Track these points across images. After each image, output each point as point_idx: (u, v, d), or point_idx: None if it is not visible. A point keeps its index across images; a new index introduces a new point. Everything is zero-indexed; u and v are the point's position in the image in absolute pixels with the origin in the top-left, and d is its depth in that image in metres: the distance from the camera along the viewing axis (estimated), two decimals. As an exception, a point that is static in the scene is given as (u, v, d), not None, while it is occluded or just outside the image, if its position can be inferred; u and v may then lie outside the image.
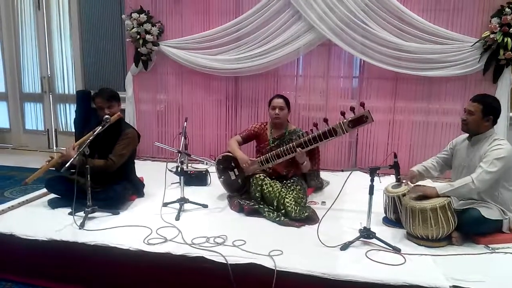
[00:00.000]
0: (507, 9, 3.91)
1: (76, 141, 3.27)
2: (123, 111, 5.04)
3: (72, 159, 2.91)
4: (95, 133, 3.02)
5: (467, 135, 2.96)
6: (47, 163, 3.20)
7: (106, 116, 3.10)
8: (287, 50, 4.53)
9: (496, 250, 2.64)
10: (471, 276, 2.29)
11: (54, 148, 6.25)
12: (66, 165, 2.85)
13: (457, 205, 2.84)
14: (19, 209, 3.30)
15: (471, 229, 2.72)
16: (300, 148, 3.18)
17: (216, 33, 4.75)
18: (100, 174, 3.21)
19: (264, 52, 4.60)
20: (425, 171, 3.14)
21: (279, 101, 3.49)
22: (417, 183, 3.05)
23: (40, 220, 3.03)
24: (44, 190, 3.50)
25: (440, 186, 2.77)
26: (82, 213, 2.98)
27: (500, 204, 2.76)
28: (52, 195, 3.41)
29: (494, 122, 2.83)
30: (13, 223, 2.94)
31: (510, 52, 3.95)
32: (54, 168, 3.21)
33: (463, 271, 2.36)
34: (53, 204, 3.29)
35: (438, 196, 2.70)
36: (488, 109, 2.78)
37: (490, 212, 2.70)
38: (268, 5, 4.52)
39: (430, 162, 3.17)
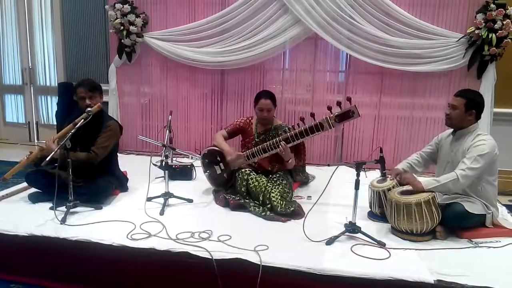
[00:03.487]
0: (492, 5, 3.95)
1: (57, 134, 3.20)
2: (106, 103, 4.96)
3: (53, 152, 2.84)
4: (76, 126, 2.95)
5: (452, 130, 2.98)
6: (26, 157, 3.12)
7: (89, 109, 3.04)
8: (273, 43, 4.50)
9: (480, 244, 2.67)
10: (455, 270, 2.31)
11: (35, 141, 6.13)
12: (47, 159, 2.78)
13: (441, 200, 2.87)
14: (-2, 203, 3.22)
15: (455, 223, 2.75)
16: (284, 143, 3.15)
17: (201, 25, 4.69)
18: (83, 168, 3.14)
19: (250, 45, 4.56)
20: (410, 168, 3.15)
21: (266, 103, 3.42)
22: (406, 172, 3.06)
23: (20, 215, 2.95)
24: (25, 184, 3.42)
25: (426, 181, 2.78)
26: (63, 208, 2.92)
27: (484, 198, 2.80)
28: (33, 189, 3.33)
29: (478, 117, 2.85)
30: (-8, 218, 2.87)
31: (495, 48, 3.98)
32: (33, 163, 3.13)
33: (447, 265, 2.38)
34: (33, 199, 3.22)
35: (423, 191, 2.72)
36: (471, 104, 2.80)
37: (473, 207, 2.73)
38: (255, -2, 4.48)
39: (414, 158, 3.19)
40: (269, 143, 3.24)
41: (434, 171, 3.20)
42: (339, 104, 2.97)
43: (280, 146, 3.17)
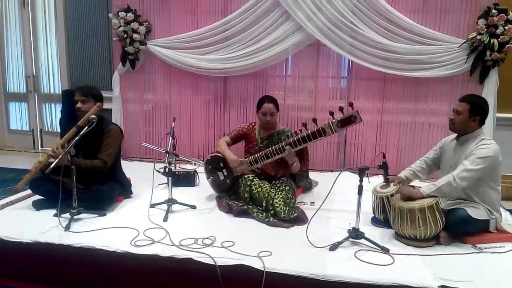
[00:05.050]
0: (493, 10, 3.95)
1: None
2: (109, 110, 5.00)
3: (57, 159, 2.86)
4: (80, 133, 2.97)
5: (455, 135, 2.98)
6: (35, 166, 3.13)
7: (93, 116, 3.05)
8: (275, 50, 4.52)
9: (484, 250, 2.66)
10: (459, 276, 2.30)
11: (40, 148, 6.16)
12: (51, 165, 2.80)
13: (445, 205, 2.86)
14: (2, 210, 3.23)
15: (459, 229, 2.74)
16: (289, 146, 3.16)
17: (204, 32, 4.72)
18: (87, 174, 3.16)
19: (253, 52, 4.59)
20: (413, 175, 3.15)
21: (270, 107, 3.43)
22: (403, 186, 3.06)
23: (24, 222, 2.96)
24: (29, 191, 3.43)
25: (425, 186, 2.79)
26: (67, 215, 2.93)
27: (487, 204, 2.78)
28: (37, 196, 3.35)
29: (481, 122, 2.85)
30: (-4, 225, 2.88)
31: (497, 53, 3.99)
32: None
33: (451, 270, 2.37)
34: (38, 206, 3.23)
35: (423, 197, 2.72)
36: (475, 109, 2.80)
37: (477, 212, 2.72)
38: (257, 5, 4.50)
39: (418, 165, 3.19)
40: (272, 149, 3.25)
41: (437, 176, 3.18)
42: (341, 109, 2.98)
43: (285, 150, 3.17)
